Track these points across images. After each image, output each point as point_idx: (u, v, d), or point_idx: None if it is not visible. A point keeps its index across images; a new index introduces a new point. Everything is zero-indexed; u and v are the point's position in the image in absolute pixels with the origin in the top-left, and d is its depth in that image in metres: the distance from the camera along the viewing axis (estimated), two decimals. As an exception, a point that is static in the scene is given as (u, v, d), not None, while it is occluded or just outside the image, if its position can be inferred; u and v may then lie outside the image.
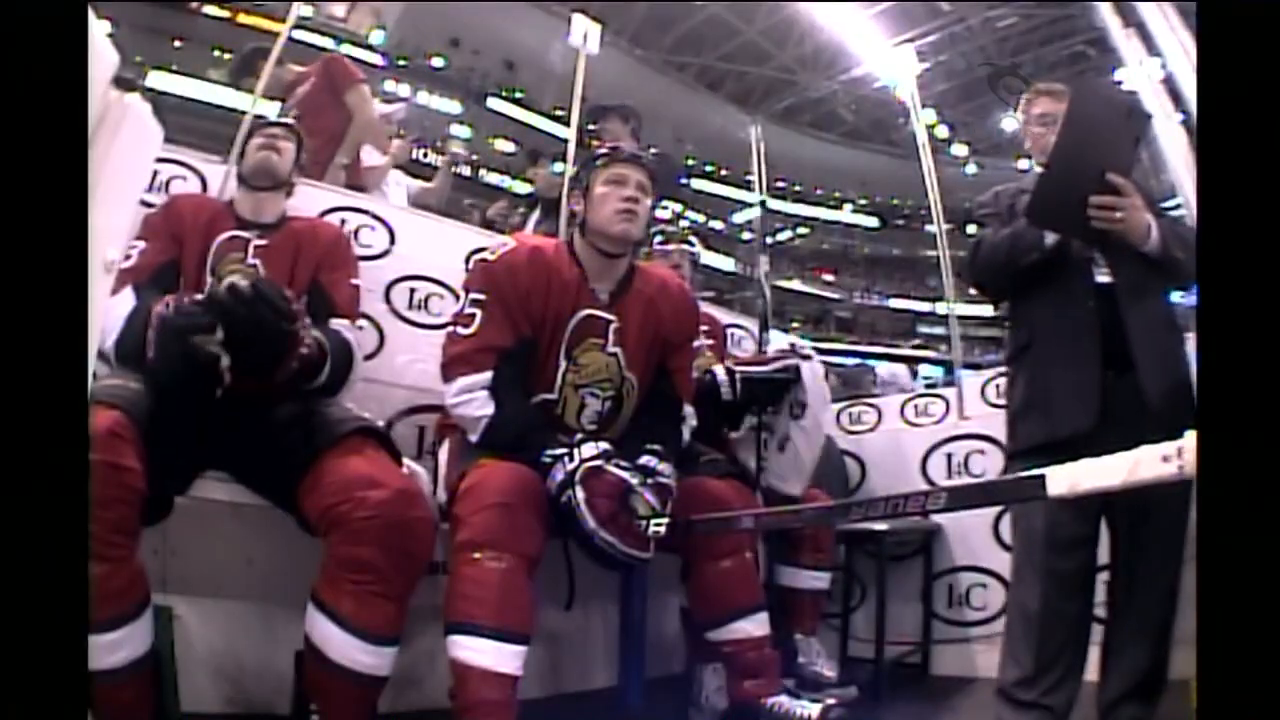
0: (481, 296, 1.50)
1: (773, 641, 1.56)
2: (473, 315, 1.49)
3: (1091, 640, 1.45)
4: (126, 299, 1.42)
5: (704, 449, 1.87)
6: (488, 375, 1.45)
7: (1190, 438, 0.76)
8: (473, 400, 1.45)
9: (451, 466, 1.48)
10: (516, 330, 1.49)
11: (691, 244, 2.34)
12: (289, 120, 1.79)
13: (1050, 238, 1.42)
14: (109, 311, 1.40)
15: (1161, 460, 0.82)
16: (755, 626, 1.52)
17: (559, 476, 1.33)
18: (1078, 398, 1.39)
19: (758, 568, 1.71)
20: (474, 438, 1.46)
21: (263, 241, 1.60)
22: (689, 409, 1.68)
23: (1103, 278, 1.45)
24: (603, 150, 1.65)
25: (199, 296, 1.27)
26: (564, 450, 1.36)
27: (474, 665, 1.21)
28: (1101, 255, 1.45)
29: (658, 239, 2.29)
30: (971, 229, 1.69)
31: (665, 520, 1.32)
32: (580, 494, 1.30)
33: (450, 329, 1.54)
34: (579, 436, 1.43)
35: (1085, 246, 1.45)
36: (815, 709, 1.45)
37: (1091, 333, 1.41)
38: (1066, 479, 0.91)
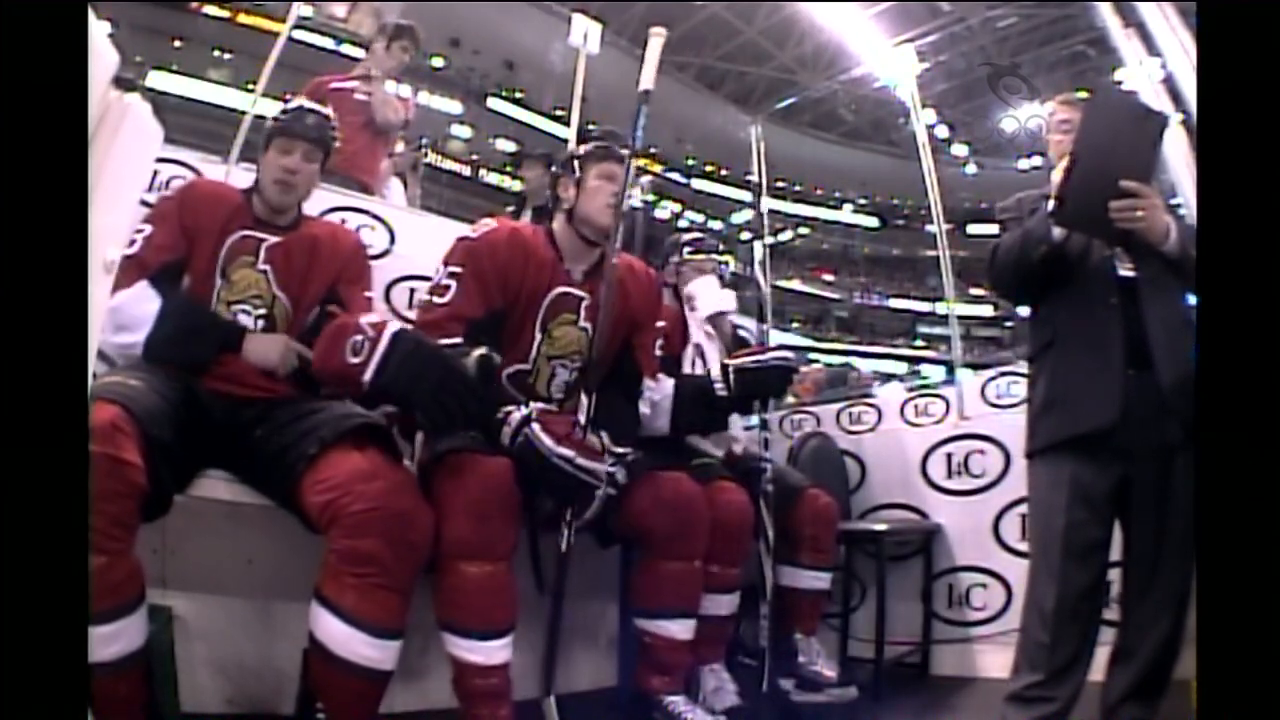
0: (458, 269, 1.53)
1: (732, 647, 1.65)
2: (448, 286, 1.52)
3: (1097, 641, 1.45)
4: (146, 296, 1.41)
5: (698, 450, 1.87)
6: (457, 342, 1.46)
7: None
8: None
9: (425, 447, 1.47)
10: (488, 303, 1.54)
11: (726, 263, 2.32)
12: (327, 129, 1.63)
13: (1059, 232, 1.42)
14: (123, 307, 1.39)
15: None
16: (680, 630, 1.57)
17: (514, 423, 1.36)
18: (1099, 393, 1.39)
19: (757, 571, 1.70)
20: None
21: (276, 240, 1.56)
22: (648, 383, 1.73)
23: (1125, 272, 1.45)
24: (600, 145, 1.69)
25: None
26: (512, 408, 1.40)
27: (467, 661, 1.29)
28: (1126, 254, 1.45)
29: (688, 249, 2.26)
30: (972, 229, 1.69)
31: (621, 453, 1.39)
32: (536, 427, 1.35)
33: (424, 300, 1.56)
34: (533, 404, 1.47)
35: (1106, 246, 1.45)
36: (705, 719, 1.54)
37: (1114, 329, 1.41)
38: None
